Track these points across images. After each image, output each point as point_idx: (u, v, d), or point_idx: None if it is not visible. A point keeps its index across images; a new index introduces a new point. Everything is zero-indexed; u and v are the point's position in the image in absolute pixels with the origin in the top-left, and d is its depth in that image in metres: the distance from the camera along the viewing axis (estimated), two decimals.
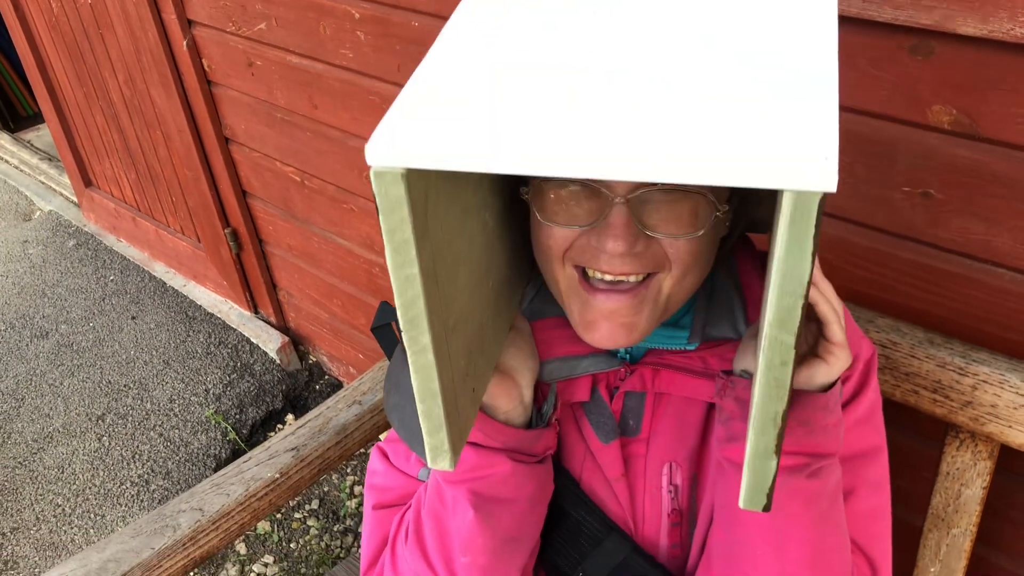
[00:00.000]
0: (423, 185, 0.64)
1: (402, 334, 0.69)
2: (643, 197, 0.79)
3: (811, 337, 0.85)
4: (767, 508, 0.73)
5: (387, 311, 1.01)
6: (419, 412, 0.74)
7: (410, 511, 1.03)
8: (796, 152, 0.55)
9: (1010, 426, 1.13)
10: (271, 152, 2.57)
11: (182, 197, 3.14)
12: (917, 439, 1.41)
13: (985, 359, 1.14)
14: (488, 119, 0.61)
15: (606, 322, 0.86)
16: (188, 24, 2.53)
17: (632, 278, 0.84)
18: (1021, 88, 1.09)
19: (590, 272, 0.85)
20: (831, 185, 0.54)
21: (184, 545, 1.43)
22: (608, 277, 0.84)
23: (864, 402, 0.98)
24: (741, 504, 0.73)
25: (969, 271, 1.24)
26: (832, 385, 0.85)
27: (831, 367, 0.83)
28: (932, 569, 1.29)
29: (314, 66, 2.17)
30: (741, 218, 0.93)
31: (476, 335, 0.82)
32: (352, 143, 2.23)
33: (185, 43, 2.55)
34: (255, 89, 2.44)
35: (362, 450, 2.56)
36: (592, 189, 0.80)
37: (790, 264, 0.59)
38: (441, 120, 0.62)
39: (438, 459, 0.77)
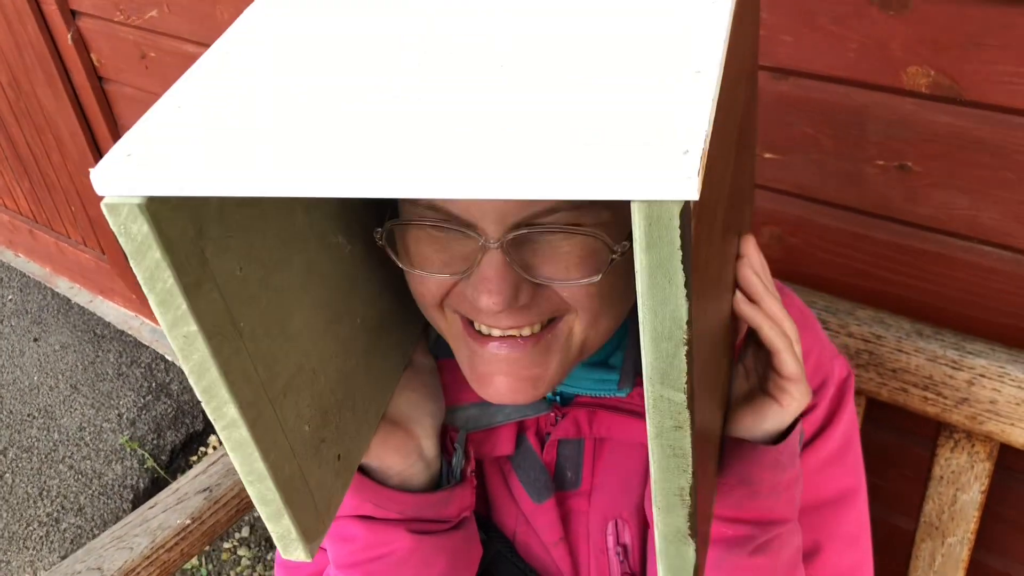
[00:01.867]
0: (193, 215, 0.49)
1: (204, 407, 0.54)
2: (521, 239, 0.61)
3: (759, 369, 0.70)
4: None
5: None
6: (251, 496, 0.59)
7: None
8: (644, 151, 0.40)
9: (1012, 424, 1.01)
10: None
11: (81, 206, 2.89)
12: (904, 437, 1.29)
13: (982, 351, 1.02)
14: (253, 131, 0.46)
15: (503, 377, 0.67)
16: (72, 15, 2.29)
17: (527, 330, 0.66)
18: (1009, 44, 0.96)
19: (476, 324, 0.68)
20: (691, 191, 0.39)
21: None
22: (496, 332, 0.66)
23: (834, 437, 0.81)
24: None
25: (953, 251, 1.12)
26: (786, 434, 0.69)
27: (784, 408, 0.67)
28: None
29: None
30: None
31: (335, 390, 0.66)
32: None
33: (70, 36, 2.31)
34: (151, 84, 2.23)
35: None
36: (458, 232, 0.62)
37: (658, 299, 0.44)
38: (194, 132, 0.47)
39: (288, 548, 0.62)
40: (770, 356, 0.67)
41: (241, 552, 2.44)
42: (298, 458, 0.61)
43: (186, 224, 0.48)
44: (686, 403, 0.48)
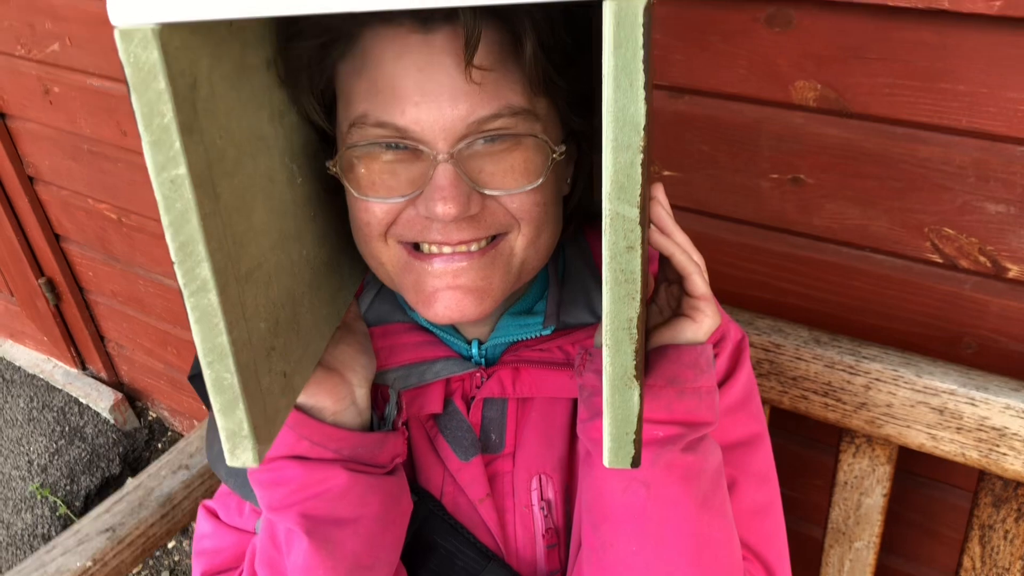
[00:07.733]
0: (191, 64, 0.53)
1: (176, 270, 0.54)
2: (469, 151, 0.68)
3: (673, 300, 0.76)
4: (636, 462, 0.61)
5: None
6: (207, 381, 0.57)
7: (244, 571, 0.87)
8: None
9: (908, 426, 1.03)
10: (81, 189, 2.29)
11: None
12: (808, 445, 1.31)
13: (876, 355, 1.04)
14: None
15: (450, 291, 0.72)
16: None
17: (474, 246, 0.72)
18: (887, 56, 0.99)
19: (424, 247, 0.72)
20: None
21: None
22: (446, 249, 0.71)
23: (737, 386, 0.87)
24: (605, 461, 0.61)
25: (847, 260, 1.15)
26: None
27: (699, 324, 0.72)
28: None
29: (118, 88, 1.93)
30: (581, 173, 0.82)
31: (285, 305, 0.67)
32: None
33: None
34: (56, 119, 2.17)
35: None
36: (411, 150, 0.68)
37: (620, 105, 0.49)
38: None
39: (237, 447, 0.60)
40: (682, 282, 0.72)
41: None
42: (254, 351, 0.60)
43: (185, 67, 0.51)
44: (638, 219, 0.52)
